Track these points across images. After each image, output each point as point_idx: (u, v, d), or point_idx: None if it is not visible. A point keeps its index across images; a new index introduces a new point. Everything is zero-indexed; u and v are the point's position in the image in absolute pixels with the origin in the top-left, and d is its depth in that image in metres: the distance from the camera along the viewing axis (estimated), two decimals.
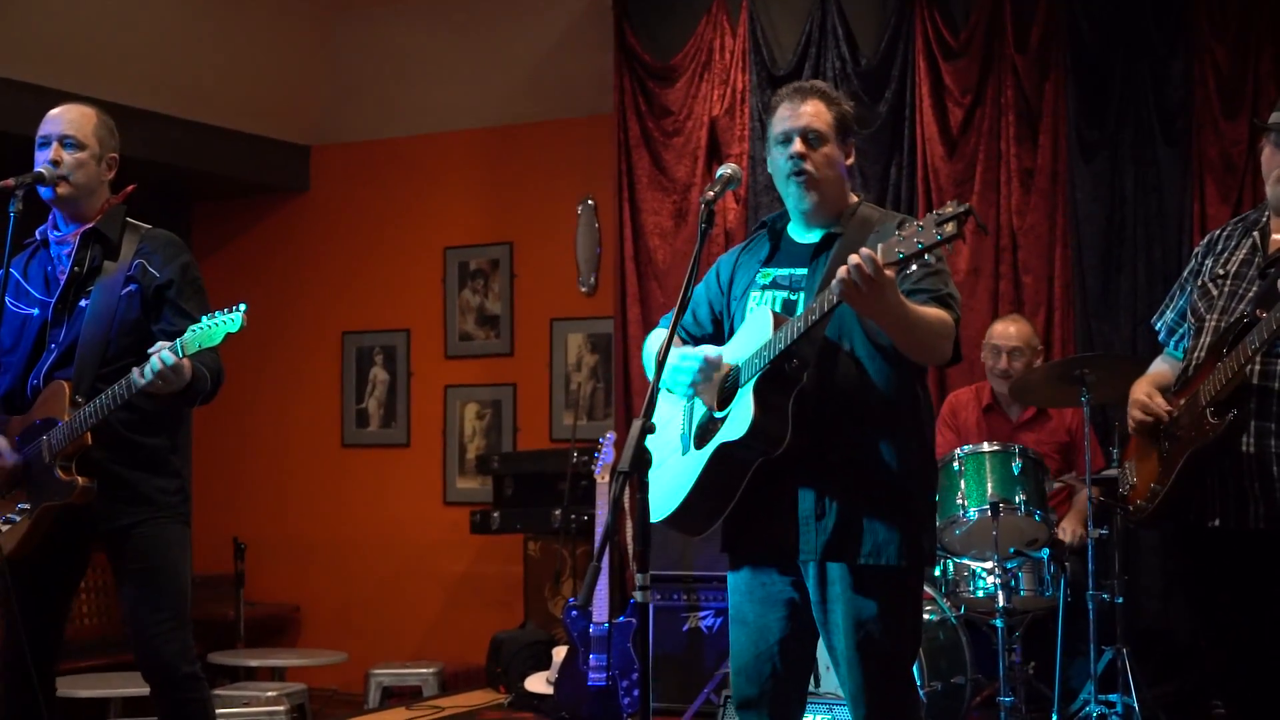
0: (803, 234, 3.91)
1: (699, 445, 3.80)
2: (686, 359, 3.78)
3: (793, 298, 3.81)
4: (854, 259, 3.38)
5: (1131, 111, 7.03)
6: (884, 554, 3.69)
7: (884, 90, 7.48)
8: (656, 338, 4.07)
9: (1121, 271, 7.03)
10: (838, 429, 3.70)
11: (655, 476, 3.92)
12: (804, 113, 3.83)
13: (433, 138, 9.21)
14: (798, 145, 3.80)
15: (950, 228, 3.30)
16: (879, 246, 3.41)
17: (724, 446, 3.69)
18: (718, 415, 3.76)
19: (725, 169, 3.84)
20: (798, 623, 3.81)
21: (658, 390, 3.51)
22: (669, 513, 3.84)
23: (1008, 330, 6.50)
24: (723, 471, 3.72)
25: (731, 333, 3.94)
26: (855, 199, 3.93)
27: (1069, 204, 7.10)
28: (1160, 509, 3.86)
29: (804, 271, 3.83)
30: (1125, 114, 7.04)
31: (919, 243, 3.34)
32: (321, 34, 9.28)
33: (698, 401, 3.87)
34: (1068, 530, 6.10)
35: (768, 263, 3.92)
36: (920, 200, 7.29)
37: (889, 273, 3.39)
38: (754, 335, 3.72)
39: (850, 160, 3.91)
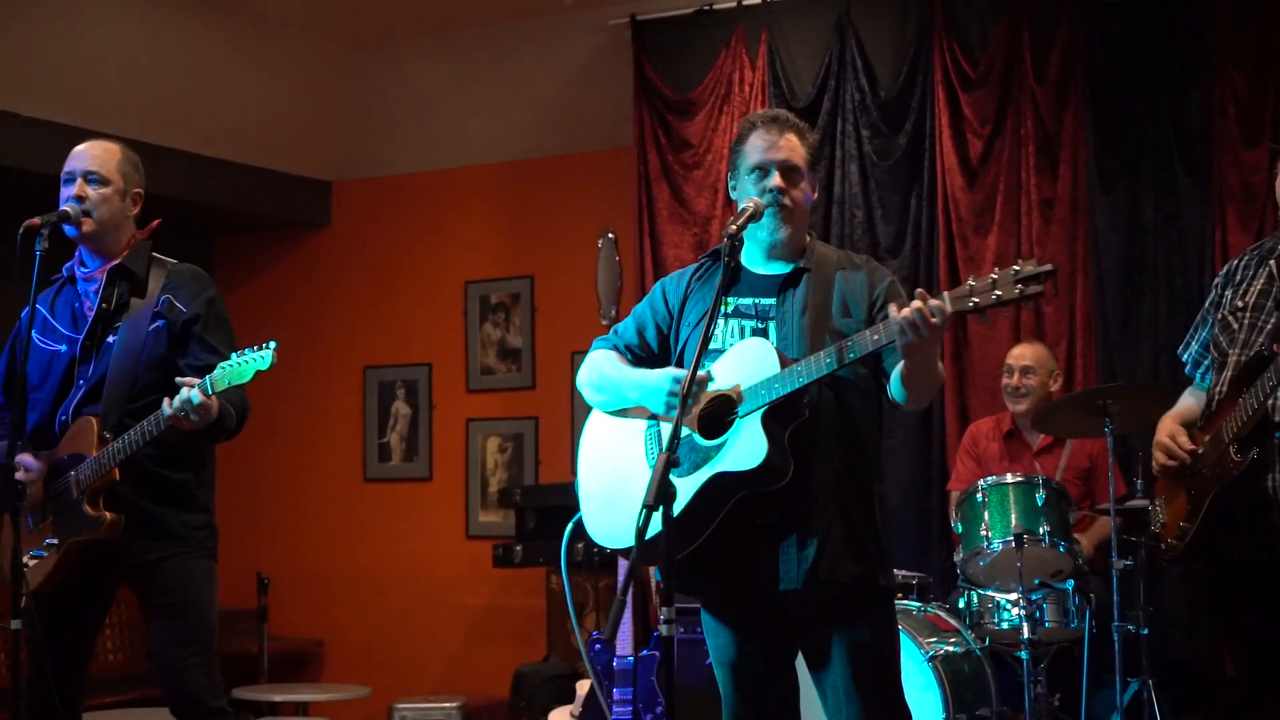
0: (762, 264, 3.91)
1: (685, 473, 3.73)
2: (671, 380, 3.74)
3: (760, 326, 3.82)
4: (920, 305, 3.39)
5: (1151, 140, 7.03)
6: (866, 580, 3.71)
7: (903, 121, 7.49)
8: (601, 357, 4.05)
9: (1142, 301, 7.02)
10: (821, 460, 3.71)
11: (612, 501, 3.91)
12: (783, 146, 3.84)
13: (453, 172, 9.24)
14: (778, 179, 3.81)
15: (1034, 287, 3.30)
16: (945, 295, 3.41)
17: (723, 476, 3.67)
18: (705, 443, 3.73)
19: (748, 202, 3.84)
20: (781, 657, 3.83)
21: (680, 424, 3.49)
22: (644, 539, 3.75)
23: (1022, 350, 6.52)
24: (710, 500, 3.69)
25: (680, 357, 3.92)
26: (809, 237, 3.95)
27: (1089, 234, 7.09)
28: (1191, 546, 3.86)
29: (771, 301, 3.84)
30: (1144, 143, 7.04)
31: (996, 295, 3.34)
32: (342, 71, 9.33)
33: (665, 427, 3.83)
34: (1084, 544, 6.09)
35: (728, 292, 3.82)
36: (940, 231, 7.29)
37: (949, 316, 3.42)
38: (753, 365, 3.70)
39: (815, 195, 3.95)
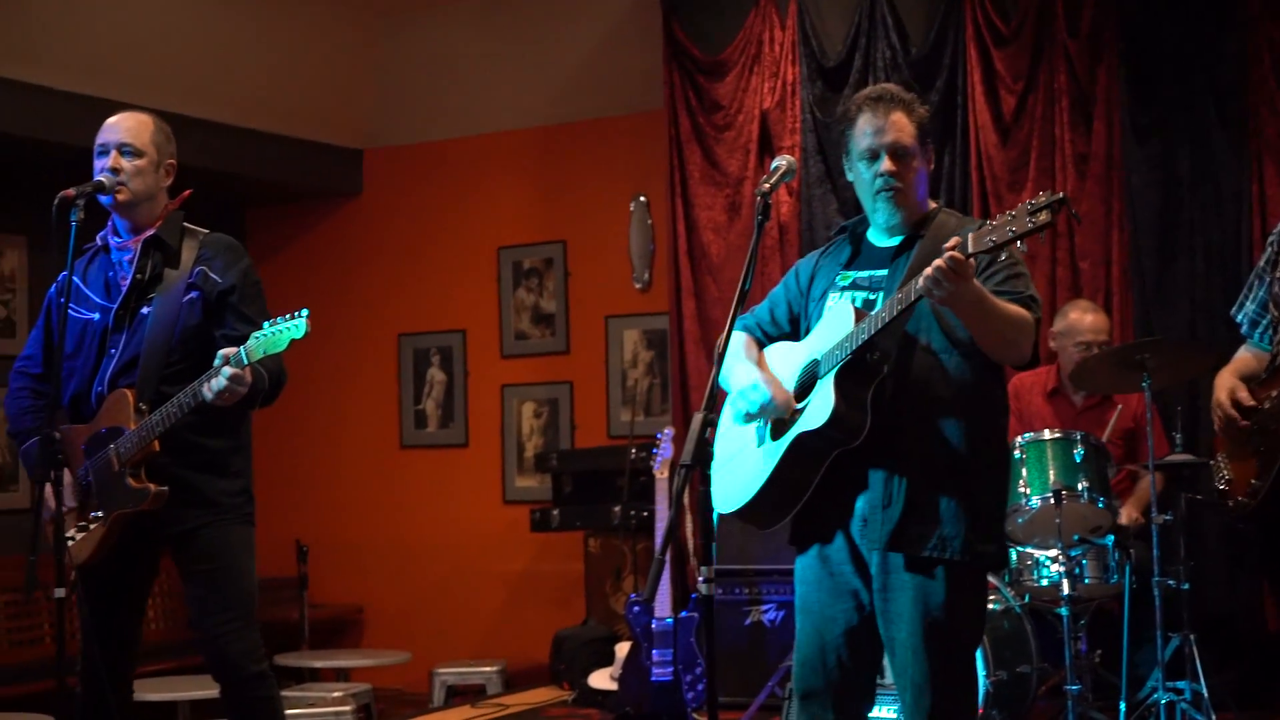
0: (883, 239, 3.91)
1: (775, 436, 3.81)
2: (757, 389, 3.79)
3: (871, 297, 3.81)
4: (939, 261, 3.41)
5: (1185, 93, 6.98)
6: (949, 548, 3.68)
7: (935, 79, 7.45)
8: (736, 342, 4.08)
9: (1178, 255, 6.99)
10: (910, 421, 3.70)
11: (729, 469, 3.95)
12: (890, 126, 3.79)
13: (484, 138, 9.24)
14: (888, 164, 3.79)
15: (1044, 216, 3.30)
16: (969, 235, 3.42)
17: (802, 436, 3.70)
18: (797, 407, 3.77)
19: (780, 161, 3.84)
20: (863, 614, 3.81)
21: (718, 383, 3.53)
22: (742, 504, 3.85)
23: (1096, 322, 6.41)
24: (799, 462, 3.74)
25: (808, 331, 3.95)
26: (934, 205, 3.93)
27: (1124, 189, 7.05)
28: (1264, 503, 3.84)
29: (884, 273, 3.84)
30: (1179, 96, 6.99)
31: (1011, 230, 3.36)
32: (371, 38, 9.32)
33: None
34: (1125, 515, 6.06)
35: (848, 266, 3.93)
36: (974, 189, 7.26)
37: (971, 261, 3.41)
38: (834, 328, 3.74)
39: (931, 166, 3.91)
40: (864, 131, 3.82)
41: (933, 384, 3.71)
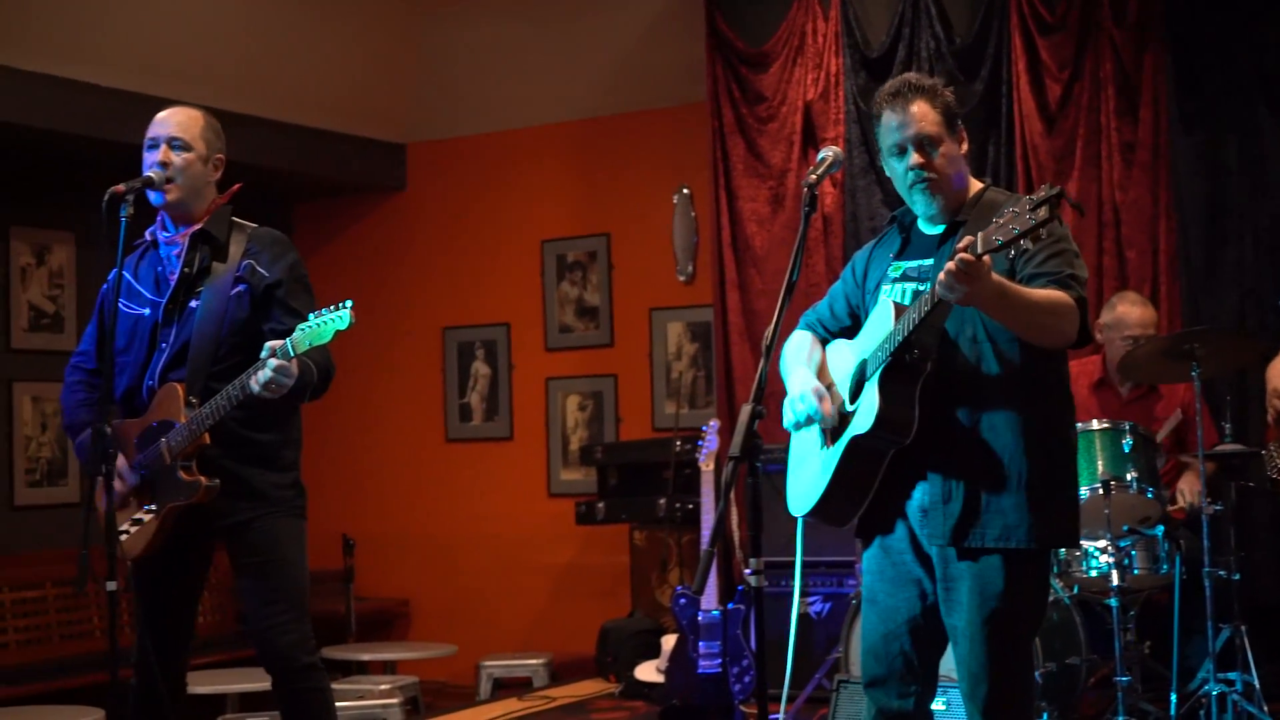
0: (930, 226, 3.90)
1: (833, 440, 3.82)
2: (804, 399, 3.80)
3: (921, 288, 3.79)
4: (950, 265, 3.39)
5: (1232, 81, 6.94)
6: (1013, 537, 3.66)
7: (979, 69, 7.42)
8: (793, 340, 4.10)
9: (1226, 244, 6.94)
10: (960, 413, 3.70)
11: (800, 471, 3.97)
12: (912, 118, 3.77)
13: (526, 132, 9.25)
14: (915, 157, 3.77)
15: (1043, 212, 3.27)
16: (979, 235, 3.40)
17: (855, 439, 3.71)
18: (849, 409, 3.77)
19: (826, 152, 3.84)
20: (926, 602, 3.81)
21: (764, 376, 3.54)
22: (812, 505, 3.87)
23: (1146, 317, 6.36)
24: (857, 463, 3.75)
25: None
26: (979, 185, 3.90)
27: (1171, 177, 7.01)
28: None
29: (930, 262, 3.82)
30: (1226, 84, 6.95)
31: (1014, 228, 3.32)
32: (413, 33, 9.35)
33: (835, 394, 3.89)
34: (1186, 492, 6.03)
35: (899, 256, 3.93)
36: (1020, 178, 7.23)
37: (986, 259, 3.38)
38: (879, 327, 3.73)
39: (964, 147, 3.87)
40: (888, 127, 3.81)
41: (981, 375, 3.70)
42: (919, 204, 3.83)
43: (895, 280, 3.87)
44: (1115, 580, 5.67)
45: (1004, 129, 7.35)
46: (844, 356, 3.93)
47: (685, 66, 8.45)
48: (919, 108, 3.78)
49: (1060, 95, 7.23)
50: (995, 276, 3.45)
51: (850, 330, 4.01)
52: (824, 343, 4.07)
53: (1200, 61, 6.99)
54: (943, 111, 3.80)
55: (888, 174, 3.93)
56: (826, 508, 3.86)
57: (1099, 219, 7.11)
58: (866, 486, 3.78)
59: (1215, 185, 6.96)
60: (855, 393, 3.78)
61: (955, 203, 3.83)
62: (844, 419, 3.79)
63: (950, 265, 3.38)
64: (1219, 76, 6.95)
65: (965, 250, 3.38)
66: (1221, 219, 6.94)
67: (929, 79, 3.89)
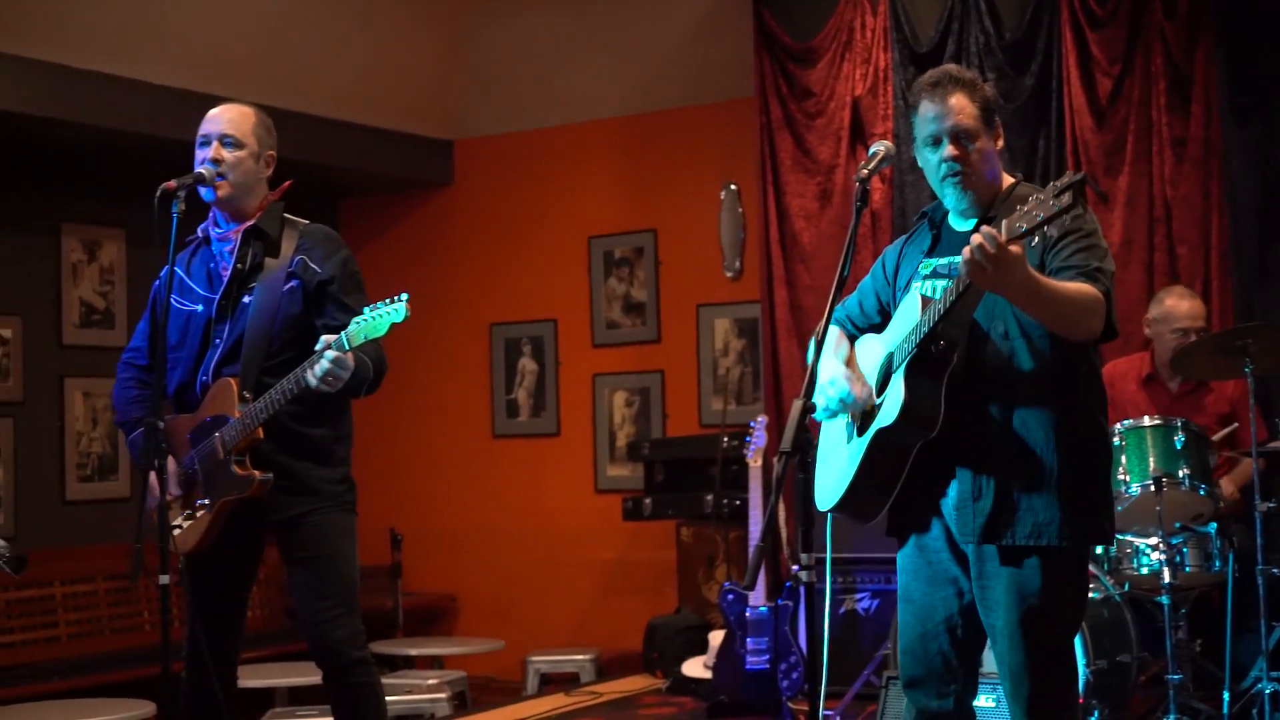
0: (961, 222, 3.88)
1: (860, 432, 3.80)
2: (835, 384, 3.79)
3: (951, 285, 3.78)
4: (976, 237, 3.37)
5: None
6: (1045, 534, 3.65)
7: (1029, 63, 7.38)
8: (828, 336, 4.07)
9: (1279, 239, 6.88)
10: (990, 409, 3.68)
11: (826, 466, 3.96)
12: (950, 110, 3.76)
13: (574, 128, 9.25)
14: (951, 149, 3.76)
15: (1066, 198, 3.25)
16: (1003, 223, 3.39)
17: (881, 432, 3.69)
18: (876, 401, 3.76)
19: (878, 146, 3.83)
20: (963, 600, 3.80)
21: (816, 371, 3.53)
22: (837, 499, 3.85)
23: (1195, 309, 6.32)
24: (883, 456, 3.73)
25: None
26: (1011, 180, 3.88)
27: (1223, 172, 6.95)
28: None
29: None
30: (1278, 76, 6.88)
31: (1039, 215, 3.31)
32: (461, 29, 9.36)
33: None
34: (1225, 489, 5.99)
35: (930, 253, 3.91)
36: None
37: (1014, 248, 3.37)
38: (905, 320, 3.73)
39: (1000, 143, 3.86)
40: (925, 117, 3.80)
41: (1011, 370, 3.68)
42: (950, 197, 3.82)
43: (926, 277, 3.86)
44: (1167, 578, 5.63)
45: (1054, 124, 7.31)
46: (872, 350, 3.92)
47: (733, 62, 8.44)
48: (958, 100, 3.77)
49: (1111, 90, 7.18)
50: (1028, 268, 3.44)
51: (879, 327, 4.00)
52: (853, 339, 4.06)
53: (1252, 54, 6.93)
54: (981, 106, 3.79)
55: (920, 165, 3.91)
56: (852, 502, 3.84)
57: (1150, 215, 7.06)
58: (892, 481, 3.75)
59: (1268, 179, 6.90)
60: (882, 386, 3.77)
61: (987, 197, 3.82)
62: (871, 412, 3.78)
63: (973, 241, 3.36)
64: (1272, 69, 6.89)
65: (985, 231, 3.36)
66: (1274, 213, 6.88)
67: (969, 72, 3.88)
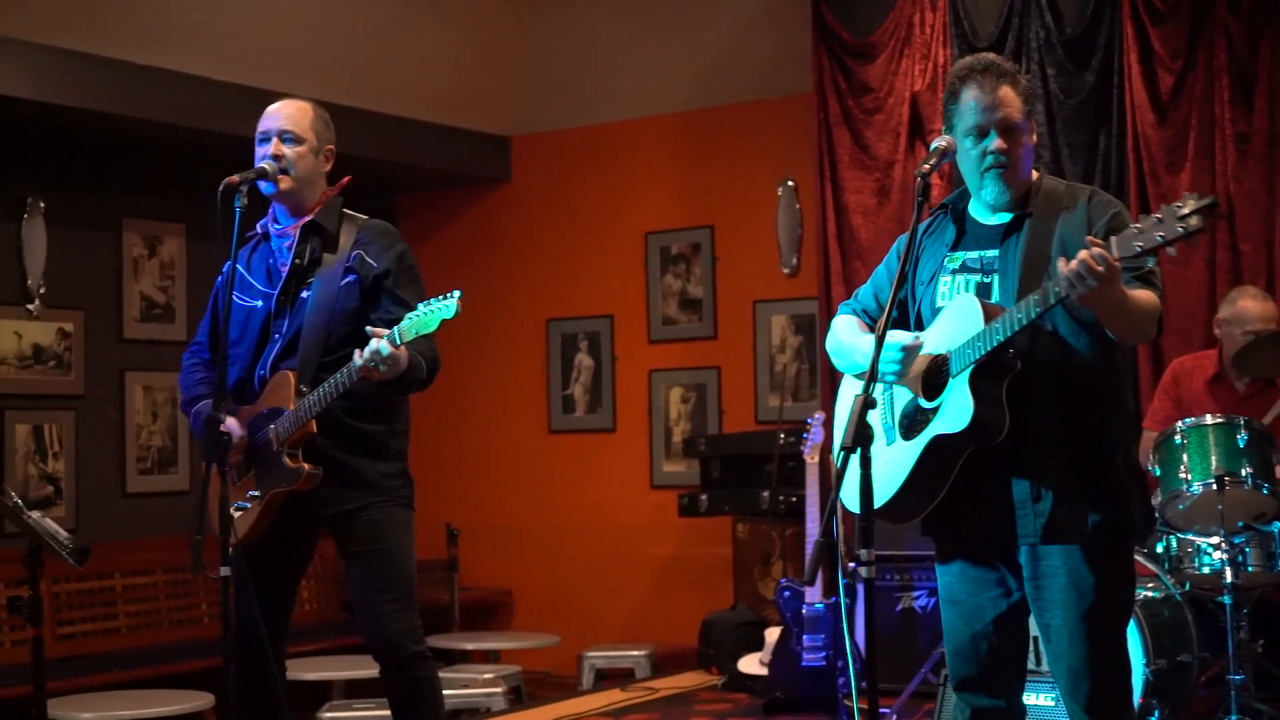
0: (987, 215, 3.84)
1: (908, 436, 3.76)
2: (887, 348, 3.71)
3: (986, 280, 3.76)
4: (1085, 255, 3.32)
5: None
6: (1103, 532, 3.64)
7: (1090, 59, 7.32)
8: (841, 324, 4.06)
9: None
10: (1045, 410, 3.65)
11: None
12: (999, 101, 3.72)
13: (631, 124, 9.25)
14: (999, 141, 3.72)
15: (1194, 221, 3.21)
16: (1113, 240, 3.34)
17: (940, 439, 3.66)
18: (927, 405, 3.72)
19: (940, 141, 3.78)
20: (1011, 600, 3.78)
21: (877, 365, 3.51)
22: (882, 504, 3.79)
23: (1268, 311, 6.24)
24: (935, 462, 3.70)
25: (919, 317, 3.90)
26: (1036, 174, 3.85)
27: None
28: None
29: (995, 253, 3.78)
30: None
31: (1160, 235, 3.27)
32: (518, 26, 9.38)
33: (898, 390, 3.84)
34: None
35: (955, 246, 3.87)
36: (1131, 169, 7.12)
37: (1118, 265, 3.35)
38: (961, 324, 3.67)
39: (1035, 138, 3.83)
40: (970, 107, 3.74)
41: (1065, 370, 3.66)
42: (989, 189, 3.77)
43: (954, 271, 3.83)
44: (1229, 577, 5.57)
45: (1115, 120, 7.25)
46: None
47: (790, 58, 8.41)
48: (1006, 91, 3.73)
49: (1173, 85, 7.11)
50: (1121, 283, 3.42)
51: (898, 322, 3.93)
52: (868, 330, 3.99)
53: None
54: (1024, 98, 3.77)
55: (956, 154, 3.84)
56: (897, 506, 3.81)
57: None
58: (940, 485, 3.72)
59: None
60: (932, 389, 3.72)
61: (1021, 192, 3.79)
62: (921, 415, 3.74)
63: (1083, 257, 3.32)
64: None
65: (1095, 252, 3.32)
66: None
67: (1010, 63, 3.83)
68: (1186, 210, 3.22)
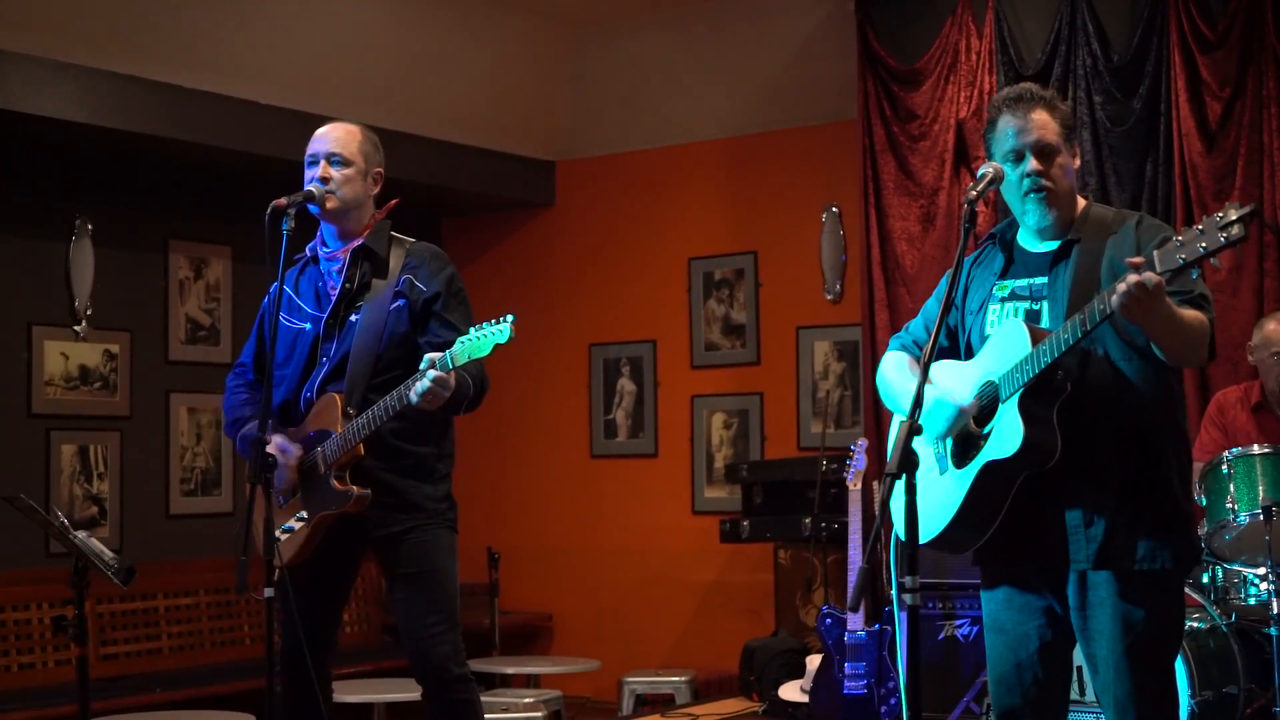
0: (1035, 243, 3.83)
1: (960, 464, 3.74)
2: (942, 405, 3.72)
3: (1035, 307, 3.75)
4: (1133, 276, 3.30)
5: None
6: (1158, 558, 3.61)
7: (1138, 86, 7.29)
8: (890, 363, 4.06)
9: None
10: (1098, 435, 3.63)
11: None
12: (1033, 126, 3.73)
13: (675, 149, 9.27)
14: (1034, 163, 3.72)
15: (1236, 230, 3.20)
16: (1155, 254, 3.32)
17: (992, 464, 3.63)
18: (978, 433, 3.70)
19: (987, 168, 3.78)
20: (1056, 630, 3.75)
21: (923, 390, 3.49)
22: (936, 534, 3.77)
23: None
24: (989, 489, 3.66)
25: (968, 346, 3.88)
26: (1084, 201, 3.85)
27: None
28: None
29: (1043, 280, 3.77)
30: None
31: (1202, 246, 3.25)
32: (564, 51, 9.41)
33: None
34: None
35: (1004, 275, 3.86)
36: (1178, 197, 7.09)
37: (1162, 280, 3.32)
38: (1008, 348, 3.65)
39: (1077, 163, 3.83)
40: (1005, 133, 3.76)
41: (1117, 394, 3.64)
42: (1032, 214, 3.77)
43: (1004, 300, 3.82)
44: (1276, 609, 5.52)
45: (1162, 147, 7.21)
46: (959, 376, 3.80)
47: (836, 84, 8.42)
48: (1040, 115, 3.74)
49: (1221, 113, 7.08)
50: (1169, 300, 3.40)
51: (948, 351, 3.93)
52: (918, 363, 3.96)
53: None
54: (1061, 122, 3.77)
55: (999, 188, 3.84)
56: (953, 535, 3.77)
57: (1260, 240, 6.94)
58: (995, 514, 3.68)
59: None
60: (982, 415, 3.70)
61: (1067, 217, 3.78)
62: (972, 442, 3.71)
63: (1132, 279, 3.30)
64: None
65: (1141, 269, 3.30)
66: None
67: (1048, 90, 3.85)
68: (1228, 219, 3.21)
